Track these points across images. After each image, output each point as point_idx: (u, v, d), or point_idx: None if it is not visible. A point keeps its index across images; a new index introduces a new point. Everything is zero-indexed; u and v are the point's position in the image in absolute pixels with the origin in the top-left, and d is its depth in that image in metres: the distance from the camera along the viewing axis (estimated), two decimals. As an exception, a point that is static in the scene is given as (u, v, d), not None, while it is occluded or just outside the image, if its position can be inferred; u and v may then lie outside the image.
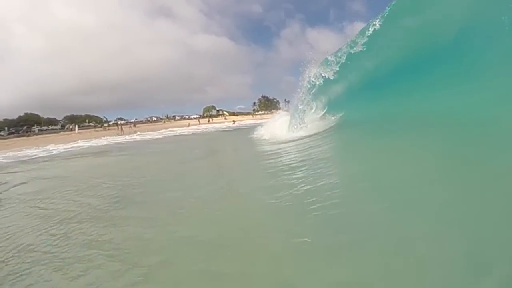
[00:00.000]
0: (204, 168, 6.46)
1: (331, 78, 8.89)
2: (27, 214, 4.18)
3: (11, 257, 2.85)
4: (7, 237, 3.41)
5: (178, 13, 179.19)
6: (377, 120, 6.68)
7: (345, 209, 2.82)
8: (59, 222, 3.71)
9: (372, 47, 7.67)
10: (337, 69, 8.75)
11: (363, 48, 7.80)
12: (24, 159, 15.69)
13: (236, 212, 3.38)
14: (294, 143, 7.55)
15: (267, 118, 24.75)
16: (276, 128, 11.41)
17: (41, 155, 16.95)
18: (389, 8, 7.17)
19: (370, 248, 2.12)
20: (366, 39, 7.72)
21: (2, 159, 17.01)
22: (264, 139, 10.24)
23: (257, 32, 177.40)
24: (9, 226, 3.76)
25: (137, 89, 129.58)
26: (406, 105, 6.02)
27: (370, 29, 7.61)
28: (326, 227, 2.58)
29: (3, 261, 2.78)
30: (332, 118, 9.79)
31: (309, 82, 9.60)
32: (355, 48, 8.03)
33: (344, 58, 8.46)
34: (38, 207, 4.49)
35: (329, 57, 9.02)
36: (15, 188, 6.21)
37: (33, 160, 14.16)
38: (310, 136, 8.10)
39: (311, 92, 9.63)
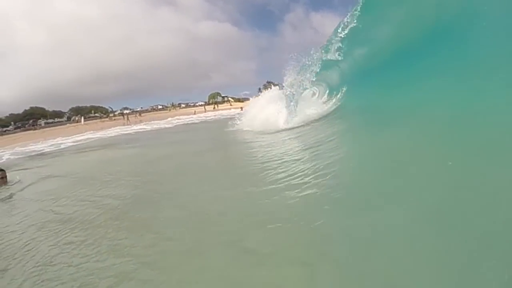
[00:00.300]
0: (223, 161, 6.15)
1: (308, 87, 9.18)
2: (42, 219, 3.91)
3: (29, 272, 2.57)
4: (22, 247, 3.15)
5: (180, 0, 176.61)
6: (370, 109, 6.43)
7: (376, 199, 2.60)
8: (77, 226, 3.45)
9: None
10: (313, 79, 8.83)
11: (339, 55, 8.09)
12: (32, 154, 15.63)
13: (268, 209, 3.02)
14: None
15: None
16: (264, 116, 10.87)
17: (49, 150, 16.87)
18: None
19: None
20: (339, 44, 7.98)
21: (9, 155, 16.97)
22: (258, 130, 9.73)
23: (260, 17, 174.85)
24: (23, 233, 3.52)
25: (142, 78, 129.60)
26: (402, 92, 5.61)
27: (341, 31, 7.70)
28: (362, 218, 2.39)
29: (21, 276, 2.51)
30: (329, 104, 9.44)
31: (285, 92, 9.63)
32: (329, 56, 8.29)
33: (319, 66, 8.57)
34: (53, 210, 4.23)
35: (307, 61, 8.97)
36: (26, 189, 5.97)
37: (42, 155, 14.04)
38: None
39: (291, 103, 9.38)
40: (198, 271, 2.18)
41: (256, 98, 16.16)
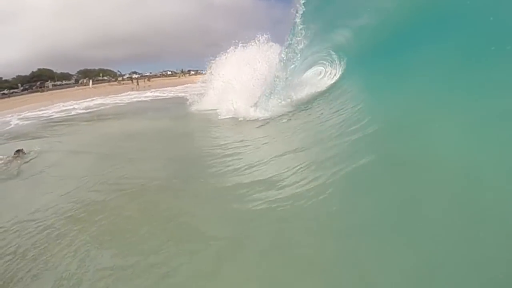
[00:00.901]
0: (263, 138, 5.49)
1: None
2: (73, 207, 3.40)
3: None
4: (58, 241, 2.67)
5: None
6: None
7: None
8: (121, 214, 3.05)
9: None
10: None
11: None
12: (41, 120, 15.16)
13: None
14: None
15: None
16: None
17: (58, 116, 16.47)
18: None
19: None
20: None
21: (18, 120, 16.54)
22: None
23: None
24: (54, 223, 3.06)
25: (151, 42, 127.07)
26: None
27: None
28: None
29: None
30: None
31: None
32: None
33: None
34: (91, 199, 3.65)
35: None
36: (47, 167, 5.38)
37: (53, 122, 13.66)
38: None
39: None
40: None
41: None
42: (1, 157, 6.14)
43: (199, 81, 15.48)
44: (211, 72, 12.40)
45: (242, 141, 5.44)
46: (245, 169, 3.91)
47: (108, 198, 3.57)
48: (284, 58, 7.59)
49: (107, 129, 9.64)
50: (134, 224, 2.86)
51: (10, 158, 5.95)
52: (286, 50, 7.55)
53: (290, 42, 7.45)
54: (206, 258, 2.20)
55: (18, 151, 6.20)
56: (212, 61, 12.71)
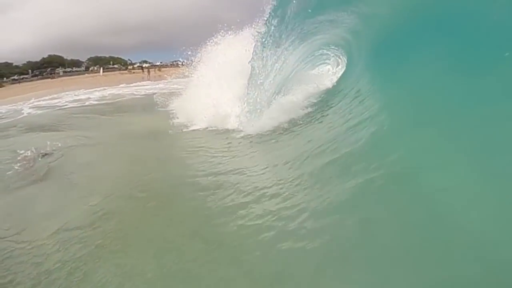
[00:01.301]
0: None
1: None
2: (114, 229, 3.03)
3: None
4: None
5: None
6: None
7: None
8: (181, 248, 2.58)
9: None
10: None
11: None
12: (55, 109, 15.13)
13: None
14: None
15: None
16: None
17: (72, 105, 16.42)
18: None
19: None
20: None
21: (30, 109, 16.54)
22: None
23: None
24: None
25: (162, 31, 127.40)
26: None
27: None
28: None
29: None
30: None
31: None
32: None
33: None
34: (132, 206, 3.37)
35: None
36: (79, 167, 5.12)
37: (68, 112, 13.49)
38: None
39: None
40: None
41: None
42: (21, 152, 5.94)
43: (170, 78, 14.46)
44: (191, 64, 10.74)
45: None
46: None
47: (151, 205, 3.36)
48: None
49: (131, 126, 8.93)
50: (188, 239, 2.63)
51: (34, 155, 5.75)
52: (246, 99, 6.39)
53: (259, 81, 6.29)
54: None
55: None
56: (190, 53, 10.98)
